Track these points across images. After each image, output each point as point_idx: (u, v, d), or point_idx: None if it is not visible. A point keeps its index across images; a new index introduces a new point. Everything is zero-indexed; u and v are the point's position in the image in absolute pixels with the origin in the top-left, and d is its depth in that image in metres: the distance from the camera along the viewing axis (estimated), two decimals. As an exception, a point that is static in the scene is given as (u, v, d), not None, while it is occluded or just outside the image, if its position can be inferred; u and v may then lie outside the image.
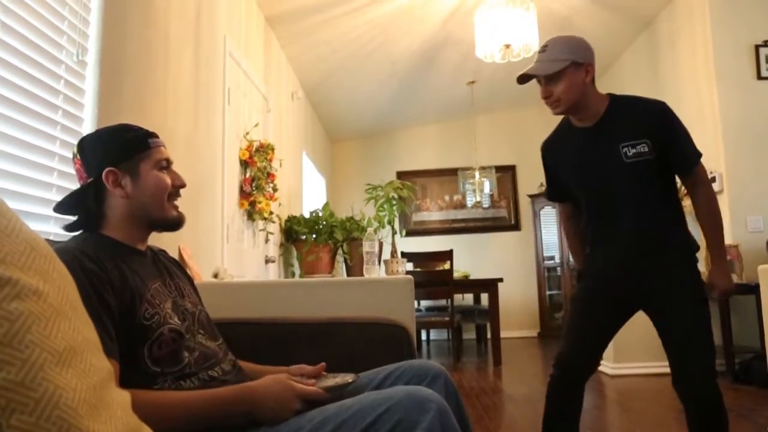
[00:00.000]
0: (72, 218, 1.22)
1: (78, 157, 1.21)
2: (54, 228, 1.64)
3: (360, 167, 7.41)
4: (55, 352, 0.63)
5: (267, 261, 3.92)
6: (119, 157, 1.18)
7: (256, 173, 3.55)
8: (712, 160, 4.27)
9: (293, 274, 4.40)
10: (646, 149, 1.68)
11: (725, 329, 3.82)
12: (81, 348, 0.69)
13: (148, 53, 2.25)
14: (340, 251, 3.83)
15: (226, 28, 3.28)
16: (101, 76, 1.88)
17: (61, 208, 1.21)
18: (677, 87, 4.79)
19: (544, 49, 1.75)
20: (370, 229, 3.43)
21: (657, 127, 1.69)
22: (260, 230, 3.81)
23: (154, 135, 1.25)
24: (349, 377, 1.22)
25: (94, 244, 1.13)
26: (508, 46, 3.92)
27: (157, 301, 1.14)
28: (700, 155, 1.74)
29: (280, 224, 4.23)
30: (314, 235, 3.86)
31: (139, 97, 2.15)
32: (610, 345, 4.11)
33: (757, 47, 4.18)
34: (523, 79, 1.78)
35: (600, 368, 4.25)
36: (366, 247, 2.99)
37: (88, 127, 1.82)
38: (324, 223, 3.89)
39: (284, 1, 4.06)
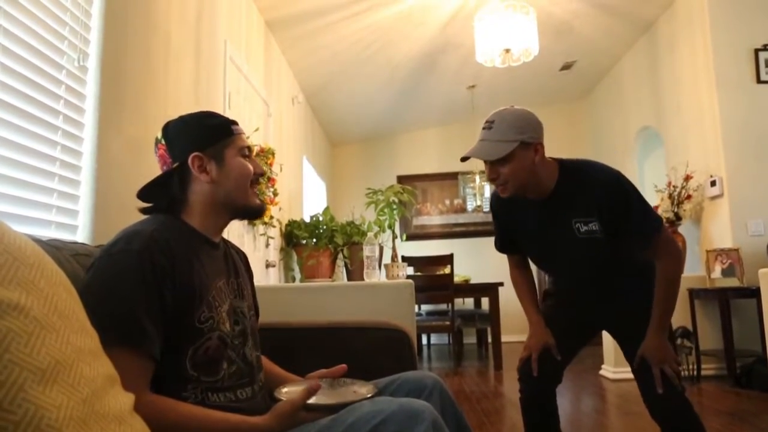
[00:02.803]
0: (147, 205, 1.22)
1: (162, 142, 1.20)
2: (55, 233, 1.64)
3: (360, 171, 7.42)
4: (37, 370, 0.61)
5: (267, 265, 3.92)
6: (205, 142, 1.19)
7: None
8: (713, 164, 4.27)
9: (294, 279, 4.40)
10: (596, 228, 1.62)
11: (726, 333, 3.81)
12: (70, 360, 0.67)
13: (149, 58, 2.25)
14: (340, 255, 3.83)
15: (226, 32, 3.29)
16: (102, 81, 1.88)
17: (143, 194, 1.21)
18: (677, 91, 4.79)
19: (490, 126, 1.60)
20: (370, 234, 3.43)
21: (608, 206, 1.59)
22: (261, 235, 3.81)
23: (235, 123, 1.26)
24: (365, 389, 1.18)
25: (171, 230, 1.12)
26: (508, 51, 3.93)
27: (215, 303, 1.13)
28: (657, 225, 1.63)
29: (281, 228, 4.23)
30: (315, 240, 3.86)
31: (140, 101, 2.16)
32: (611, 349, 4.13)
33: (756, 51, 4.19)
34: (466, 158, 1.64)
35: (601, 372, 4.25)
36: (366, 251, 2.99)
37: (89, 133, 1.82)
38: (324, 227, 3.89)
39: (284, 5, 4.07)
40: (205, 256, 1.17)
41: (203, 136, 1.20)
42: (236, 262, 1.31)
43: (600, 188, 1.60)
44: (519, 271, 1.95)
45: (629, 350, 1.73)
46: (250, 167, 1.24)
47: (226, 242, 1.32)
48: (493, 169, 1.61)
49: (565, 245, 1.69)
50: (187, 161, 1.17)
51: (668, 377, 1.61)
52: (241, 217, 1.27)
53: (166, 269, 1.03)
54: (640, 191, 1.65)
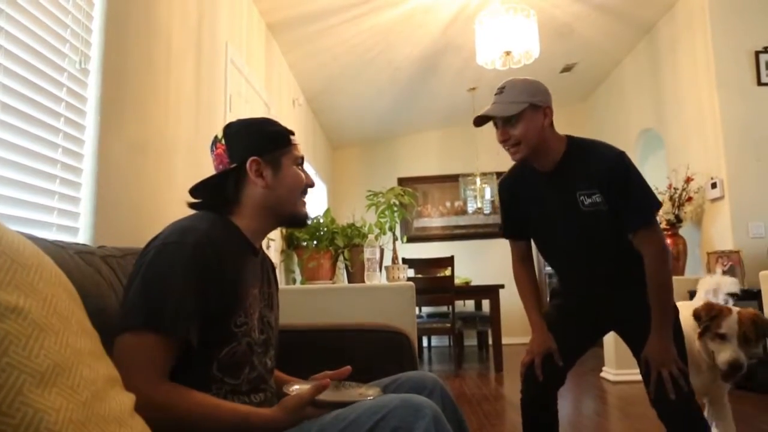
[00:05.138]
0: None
1: (222, 141, 1.23)
2: (56, 235, 1.64)
3: (361, 174, 7.42)
4: (36, 373, 0.61)
5: (268, 267, 3.91)
6: (264, 148, 1.22)
7: (257, 180, 3.55)
8: (714, 166, 4.27)
9: (294, 281, 4.40)
10: (599, 200, 1.65)
11: (727, 335, 3.80)
12: (69, 362, 0.67)
13: (150, 61, 2.26)
14: (341, 258, 3.83)
15: (227, 35, 3.29)
16: (103, 83, 1.88)
17: (197, 191, 1.24)
18: (678, 93, 4.80)
19: (501, 91, 1.68)
20: (371, 236, 3.43)
21: (608, 182, 1.63)
22: (261, 237, 3.80)
23: (293, 133, 1.30)
24: (371, 391, 1.19)
25: (222, 230, 1.15)
26: (508, 53, 3.93)
27: (251, 310, 1.16)
28: (654, 208, 1.67)
29: (281, 230, 4.23)
30: (315, 242, 3.86)
31: (141, 104, 2.16)
32: (612, 352, 4.13)
33: (757, 53, 4.19)
34: (480, 120, 1.70)
35: (602, 374, 4.24)
36: (367, 253, 2.99)
37: (90, 135, 1.83)
38: (325, 229, 3.88)
39: (286, 8, 4.08)
40: (248, 262, 1.19)
41: (264, 141, 1.23)
42: (269, 272, 1.34)
43: (603, 162, 1.65)
44: (522, 265, 1.95)
45: (636, 350, 1.73)
46: (303, 177, 1.28)
47: (263, 250, 1.34)
48: (504, 130, 1.67)
49: (570, 220, 1.70)
50: (245, 164, 1.20)
51: (674, 378, 1.60)
52: (287, 225, 1.30)
53: (215, 269, 1.06)
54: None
